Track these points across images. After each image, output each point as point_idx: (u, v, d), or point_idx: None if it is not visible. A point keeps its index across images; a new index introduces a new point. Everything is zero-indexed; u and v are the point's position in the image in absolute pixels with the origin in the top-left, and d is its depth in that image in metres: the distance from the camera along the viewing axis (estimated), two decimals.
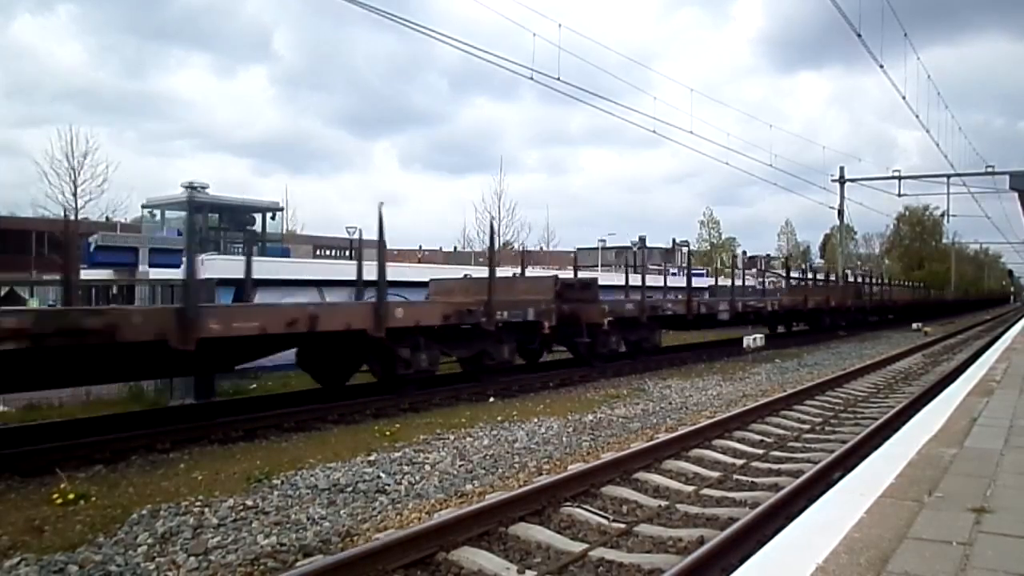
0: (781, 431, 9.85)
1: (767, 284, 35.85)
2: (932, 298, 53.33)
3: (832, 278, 35.33)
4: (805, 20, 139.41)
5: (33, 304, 14.91)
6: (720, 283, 28.39)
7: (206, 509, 5.93)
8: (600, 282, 17.47)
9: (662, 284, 23.19)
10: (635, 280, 19.62)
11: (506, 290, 13.89)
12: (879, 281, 40.49)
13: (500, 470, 7.49)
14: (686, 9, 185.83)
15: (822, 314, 27.64)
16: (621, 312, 16.20)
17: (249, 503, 6.13)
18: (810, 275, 35.87)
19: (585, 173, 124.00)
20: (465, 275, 18.37)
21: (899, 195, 38.43)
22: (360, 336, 10.18)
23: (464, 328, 12.22)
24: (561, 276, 17.27)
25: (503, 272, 18.45)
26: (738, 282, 28.69)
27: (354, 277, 12.17)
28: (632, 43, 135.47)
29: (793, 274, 34.19)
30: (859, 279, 39.41)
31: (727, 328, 23.13)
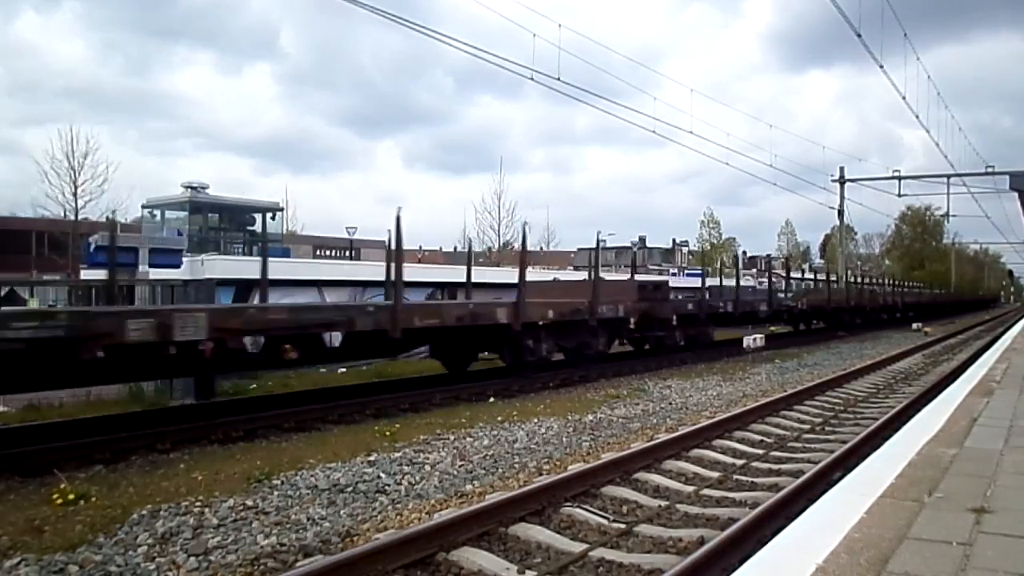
0: (781, 431, 9.84)
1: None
2: (876, 302, 35.45)
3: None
4: (814, 17, 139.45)
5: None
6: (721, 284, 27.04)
7: (206, 509, 5.93)
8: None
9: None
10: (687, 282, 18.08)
11: None
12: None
13: (500, 470, 7.49)
14: (696, 5, 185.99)
15: (527, 338, 13.24)
16: None
17: (249, 503, 6.13)
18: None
19: (589, 172, 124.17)
20: None
21: (899, 195, 38.50)
22: None
23: None
24: None
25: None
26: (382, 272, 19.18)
27: (354, 277, 12.20)
28: (642, 40, 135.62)
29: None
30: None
31: None
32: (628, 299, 15.94)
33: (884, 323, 35.39)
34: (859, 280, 38.44)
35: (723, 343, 21.56)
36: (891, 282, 44.55)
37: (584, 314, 14.33)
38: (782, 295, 26.56)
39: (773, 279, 27.47)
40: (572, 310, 14.20)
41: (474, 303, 12.86)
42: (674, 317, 17.55)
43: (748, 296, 23.58)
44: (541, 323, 13.34)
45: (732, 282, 24.10)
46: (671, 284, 22.07)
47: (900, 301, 39.88)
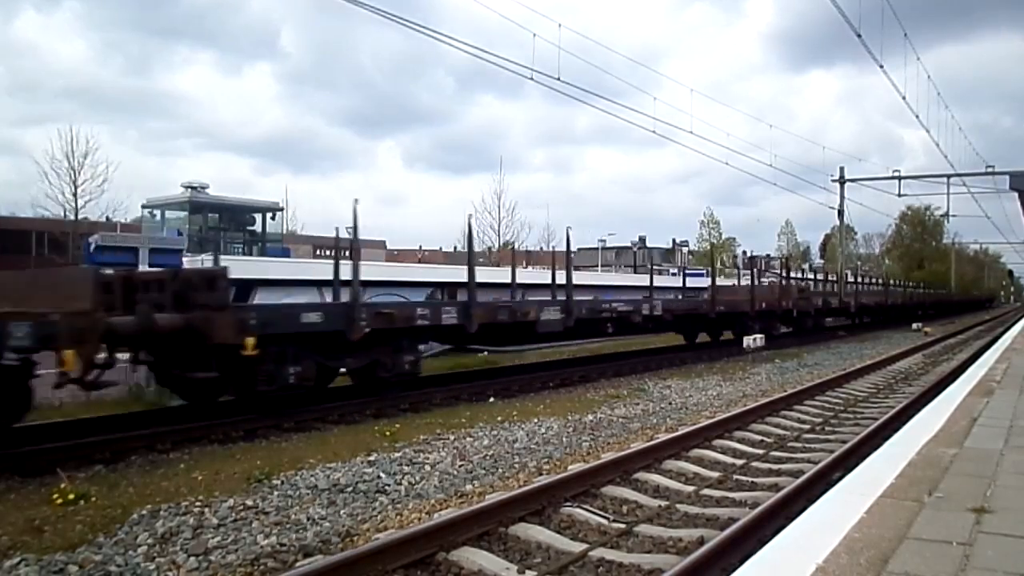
0: (781, 431, 9.84)
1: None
2: (808, 304, 25.90)
3: None
4: (815, 17, 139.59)
5: None
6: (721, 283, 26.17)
7: (206, 509, 5.92)
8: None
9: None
10: (636, 280, 17.09)
11: None
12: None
13: (500, 470, 7.49)
14: (696, 5, 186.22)
15: None
16: None
17: (249, 503, 6.12)
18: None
19: (589, 172, 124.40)
20: None
21: (899, 195, 38.44)
22: None
23: None
24: None
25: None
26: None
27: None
28: (642, 40, 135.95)
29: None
30: None
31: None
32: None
33: (852, 327, 30.66)
34: (785, 275, 27.97)
35: (723, 343, 21.56)
36: (838, 278, 34.79)
37: None
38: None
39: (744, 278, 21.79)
40: None
41: None
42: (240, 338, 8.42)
43: (499, 301, 13.43)
44: None
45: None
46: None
47: (853, 302, 30.89)
